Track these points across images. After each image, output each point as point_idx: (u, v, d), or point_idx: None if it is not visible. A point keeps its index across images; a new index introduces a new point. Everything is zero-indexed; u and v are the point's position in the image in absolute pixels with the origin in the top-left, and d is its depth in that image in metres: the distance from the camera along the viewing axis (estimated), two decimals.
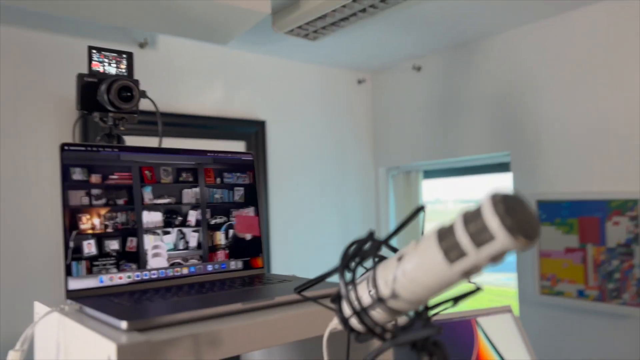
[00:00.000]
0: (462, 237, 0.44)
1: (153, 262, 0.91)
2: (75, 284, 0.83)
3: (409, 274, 0.48)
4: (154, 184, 0.95)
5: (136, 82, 0.99)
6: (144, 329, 0.64)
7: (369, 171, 2.81)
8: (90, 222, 0.86)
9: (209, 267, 0.98)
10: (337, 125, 2.70)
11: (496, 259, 0.44)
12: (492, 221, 0.42)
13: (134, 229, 0.91)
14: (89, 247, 0.85)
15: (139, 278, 0.89)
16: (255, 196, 1.07)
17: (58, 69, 1.84)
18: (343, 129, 2.72)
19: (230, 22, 1.76)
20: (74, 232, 0.84)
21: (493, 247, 0.43)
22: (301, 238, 2.47)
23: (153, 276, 0.91)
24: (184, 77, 2.17)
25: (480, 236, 0.43)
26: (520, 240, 0.43)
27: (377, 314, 0.51)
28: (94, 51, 0.98)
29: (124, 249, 0.89)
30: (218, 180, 1.02)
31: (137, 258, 0.90)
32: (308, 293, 0.54)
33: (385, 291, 0.50)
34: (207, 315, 0.70)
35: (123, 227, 0.90)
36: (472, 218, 0.44)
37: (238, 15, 1.70)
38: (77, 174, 0.86)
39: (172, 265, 0.94)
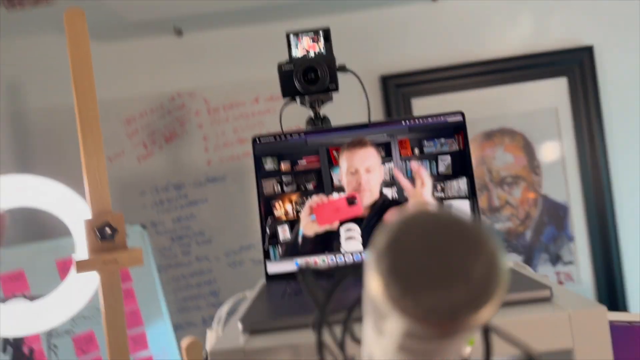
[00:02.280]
0: (371, 302, 0.24)
1: (347, 246, 0.88)
2: (273, 267, 0.88)
3: (368, 339, 0.30)
4: None
5: (328, 60, 0.96)
6: (259, 330, 0.62)
7: None
8: (282, 208, 0.89)
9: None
10: None
11: (429, 342, 0.22)
12: (373, 283, 0.22)
13: None
14: (284, 233, 0.89)
15: (333, 262, 0.88)
16: (467, 163, 0.87)
17: None
18: None
19: None
20: (269, 219, 0.89)
21: (393, 327, 0.22)
22: None
23: (348, 260, 0.87)
24: (484, 20, 1.95)
25: (379, 305, 0.23)
26: (430, 324, 0.20)
27: None
28: (291, 36, 0.99)
29: (316, 233, 0.89)
30: (416, 150, 0.88)
31: (330, 242, 0.88)
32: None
33: (366, 355, 0.33)
34: None
35: None
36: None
37: None
38: (269, 163, 0.91)
39: (367, 247, 0.87)
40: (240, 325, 0.63)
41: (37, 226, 1.59)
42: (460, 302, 0.20)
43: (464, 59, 1.91)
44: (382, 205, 0.88)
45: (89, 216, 0.96)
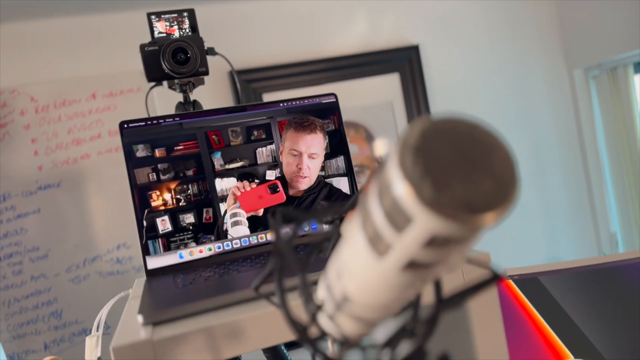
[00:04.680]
0: (378, 218, 0.24)
1: (233, 231, 0.85)
2: (154, 262, 0.81)
3: (349, 267, 0.30)
4: (223, 148, 0.87)
5: (197, 41, 0.92)
6: (163, 321, 0.57)
7: (561, 76, 2.32)
8: (161, 198, 0.83)
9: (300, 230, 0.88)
10: (510, 30, 2.26)
11: (447, 247, 0.23)
12: (399, 188, 0.22)
13: (209, 199, 0.85)
14: (164, 224, 0.83)
15: (220, 249, 0.84)
16: (344, 142, 0.91)
17: None
18: (519, 33, 2.28)
19: None
20: (146, 211, 0.83)
21: (416, 233, 0.22)
22: None
23: (236, 246, 0.85)
24: (321, 19, 2.05)
25: (396, 216, 0.23)
26: (464, 219, 0.21)
27: (343, 324, 0.34)
28: (153, 17, 0.93)
29: (200, 221, 0.85)
30: None
31: (215, 229, 0.85)
32: (266, 288, 0.40)
33: (336, 290, 0.33)
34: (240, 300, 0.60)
35: (196, 199, 0.85)
36: (384, 183, 0.24)
37: None
38: (141, 151, 0.84)
39: (256, 232, 0.86)
40: (140, 318, 0.57)
41: None
42: (490, 194, 0.22)
43: (308, 57, 1.99)
44: (316, 189, 0.89)
45: None
